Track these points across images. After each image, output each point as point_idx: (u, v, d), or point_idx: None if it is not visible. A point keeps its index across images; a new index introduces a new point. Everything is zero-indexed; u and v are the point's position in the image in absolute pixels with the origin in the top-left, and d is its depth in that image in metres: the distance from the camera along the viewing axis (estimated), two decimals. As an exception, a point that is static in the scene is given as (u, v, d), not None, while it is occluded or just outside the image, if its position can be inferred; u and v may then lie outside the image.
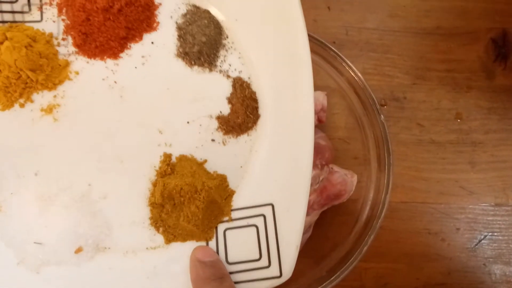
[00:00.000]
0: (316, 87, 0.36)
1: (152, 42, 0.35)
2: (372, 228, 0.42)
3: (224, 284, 0.28)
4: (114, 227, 0.33)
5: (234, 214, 0.34)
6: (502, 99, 0.49)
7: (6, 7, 0.33)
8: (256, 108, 0.35)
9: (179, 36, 0.35)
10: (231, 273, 0.32)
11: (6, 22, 0.33)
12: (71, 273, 0.32)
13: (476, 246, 0.45)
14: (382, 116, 0.43)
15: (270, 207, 0.34)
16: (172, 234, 0.33)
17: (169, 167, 0.34)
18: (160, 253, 0.33)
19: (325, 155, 0.43)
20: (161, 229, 0.34)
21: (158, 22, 0.35)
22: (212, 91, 0.35)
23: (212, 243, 0.33)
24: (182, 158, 0.35)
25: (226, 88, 0.36)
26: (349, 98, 0.46)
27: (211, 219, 0.33)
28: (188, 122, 0.35)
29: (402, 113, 0.48)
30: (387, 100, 0.48)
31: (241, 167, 0.35)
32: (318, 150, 0.42)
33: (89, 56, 0.34)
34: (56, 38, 0.34)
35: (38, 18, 0.34)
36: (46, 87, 0.34)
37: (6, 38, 0.32)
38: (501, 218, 0.46)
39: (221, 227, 0.34)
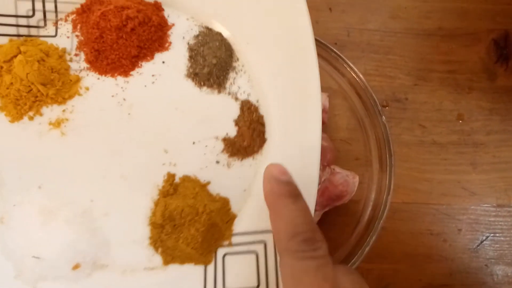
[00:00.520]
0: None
1: (163, 62, 0.35)
2: (374, 229, 0.42)
3: (298, 202, 0.27)
4: (113, 245, 0.33)
5: (235, 239, 0.33)
6: (503, 100, 0.48)
7: (22, 21, 0.34)
8: (263, 132, 0.35)
9: (190, 57, 0.35)
10: None
11: (22, 36, 0.34)
12: (68, 290, 0.32)
13: (478, 247, 0.45)
14: (383, 117, 0.43)
15: (271, 234, 0.33)
16: (170, 256, 0.33)
17: (172, 187, 0.34)
18: (157, 274, 0.33)
19: (326, 156, 0.43)
20: (160, 249, 0.33)
21: (170, 42, 0.35)
22: (219, 112, 0.35)
23: (211, 268, 0.33)
24: (186, 179, 0.34)
25: (233, 110, 0.35)
26: (350, 99, 0.45)
27: (211, 242, 0.33)
28: (194, 143, 0.35)
29: (404, 114, 0.47)
30: (389, 101, 0.47)
31: (244, 190, 0.35)
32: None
33: (100, 73, 0.35)
34: (69, 54, 0.35)
35: (53, 33, 0.35)
36: (56, 101, 0.34)
37: (20, 52, 0.33)
38: (503, 219, 0.46)
39: (221, 252, 0.33)
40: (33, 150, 0.34)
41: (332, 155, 0.44)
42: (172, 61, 0.35)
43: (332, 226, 0.44)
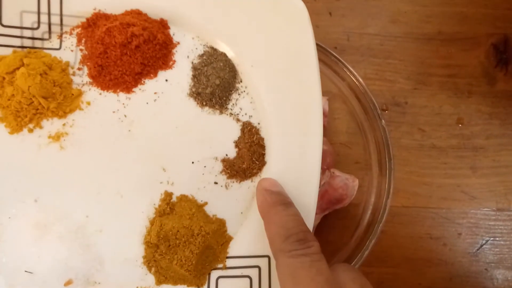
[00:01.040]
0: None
1: (166, 80, 0.35)
2: (373, 233, 0.42)
3: (289, 209, 0.29)
4: (106, 262, 0.33)
5: (229, 262, 0.33)
6: (503, 104, 0.48)
7: (26, 33, 0.34)
8: (263, 155, 0.35)
9: (194, 76, 0.35)
10: None
11: (26, 47, 0.34)
12: (58, 306, 0.31)
13: (478, 251, 0.45)
14: (383, 121, 0.43)
15: (266, 259, 0.33)
16: (163, 276, 0.33)
17: (169, 206, 0.34)
18: (149, 294, 0.33)
19: (326, 160, 0.43)
20: (153, 269, 0.33)
21: (174, 61, 0.35)
22: (220, 133, 0.35)
23: (203, 290, 0.32)
24: (183, 198, 0.34)
25: (234, 131, 0.35)
26: (350, 103, 0.46)
27: (205, 265, 0.33)
28: (192, 162, 0.35)
29: (404, 118, 0.48)
30: (389, 105, 0.48)
31: (241, 213, 0.34)
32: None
33: (103, 88, 0.34)
34: (72, 67, 0.34)
35: (57, 46, 0.35)
36: (56, 115, 0.34)
37: (23, 64, 0.33)
38: (502, 223, 0.46)
39: (214, 274, 0.33)
40: (31, 163, 0.33)
41: (331, 158, 0.44)
42: (175, 80, 0.35)
43: (331, 229, 0.44)
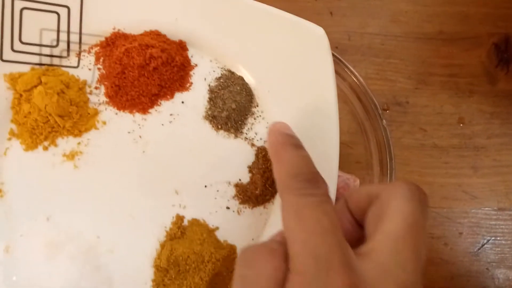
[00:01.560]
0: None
1: (183, 102, 0.35)
2: None
3: (300, 150, 0.27)
4: (115, 283, 0.33)
5: (238, 290, 0.33)
6: (504, 103, 0.48)
7: (45, 50, 0.34)
8: (277, 182, 0.34)
9: (210, 99, 0.35)
10: None
11: (44, 64, 0.34)
12: (66, 327, 0.31)
13: (479, 251, 0.45)
14: (384, 120, 0.43)
15: None
16: (172, 300, 0.33)
17: (180, 230, 0.34)
18: (157, 318, 0.32)
19: None
20: (162, 293, 0.33)
21: (191, 83, 0.35)
22: (234, 157, 0.35)
23: (211, 317, 0.32)
24: (194, 223, 0.34)
25: (249, 156, 0.35)
26: (351, 103, 0.45)
27: (214, 292, 0.33)
28: (205, 186, 0.34)
29: (405, 118, 0.47)
30: (390, 104, 0.47)
31: (252, 239, 0.34)
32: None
33: (119, 108, 0.34)
34: (89, 86, 0.34)
35: (75, 64, 0.34)
36: (72, 133, 0.34)
37: (40, 82, 0.33)
38: (504, 222, 0.46)
39: (223, 301, 0.33)
40: (45, 181, 0.33)
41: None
42: (192, 102, 0.35)
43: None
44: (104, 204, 0.34)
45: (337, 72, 0.45)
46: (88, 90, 0.34)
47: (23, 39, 0.33)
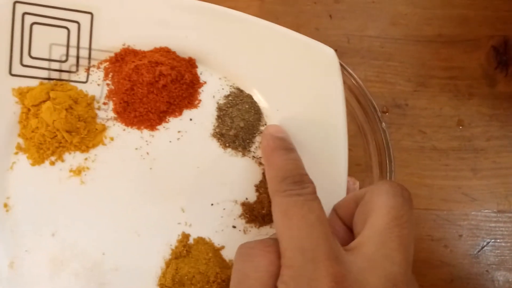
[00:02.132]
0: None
1: (191, 119, 0.35)
2: None
3: (290, 154, 0.30)
4: (120, 301, 0.33)
5: (243, 310, 0.33)
6: (503, 106, 0.48)
7: (54, 65, 0.33)
8: (283, 201, 0.34)
9: (218, 117, 0.35)
10: None
11: (52, 79, 0.34)
12: None
13: (479, 253, 0.45)
14: (383, 123, 0.43)
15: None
16: (176, 320, 0.33)
17: (185, 249, 0.33)
18: (160, 338, 0.32)
19: None
20: (166, 312, 0.33)
21: (200, 100, 0.35)
22: (241, 176, 0.35)
23: (216, 338, 0.32)
24: (200, 241, 0.34)
25: (256, 175, 0.35)
26: (350, 106, 0.45)
27: (219, 312, 0.32)
28: (212, 204, 0.34)
29: (404, 120, 0.47)
30: (389, 107, 0.47)
31: (258, 259, 0.34)
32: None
33: (127, 124, 0.34)
34: (98, 102, 0.34)
35: (84, 79, 0.34)
36: (79, 149, 0.34)
37: (49, 98, 0.33)
38: (503, 224, 0.46)
39: (228, 322, 0.32)
40: (51, 196, 0.33)
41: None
42: (200, 119, 0.35)
43: (332, 231, 0.44)
44: (110, 221, 0.33)
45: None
46: (96, 105, 0.34)
47: (33, 54, 0.33)
